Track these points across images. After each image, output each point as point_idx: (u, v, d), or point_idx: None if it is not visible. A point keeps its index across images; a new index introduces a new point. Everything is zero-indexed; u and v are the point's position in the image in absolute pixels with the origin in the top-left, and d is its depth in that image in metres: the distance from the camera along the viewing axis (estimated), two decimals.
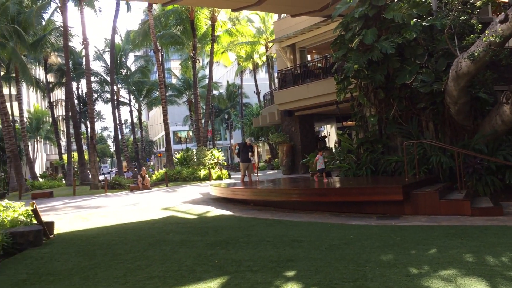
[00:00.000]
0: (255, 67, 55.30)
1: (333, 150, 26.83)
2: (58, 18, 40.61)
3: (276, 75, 35.47)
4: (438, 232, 8.23)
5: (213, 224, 10.57)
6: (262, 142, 50.20)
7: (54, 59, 50.72)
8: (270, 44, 39.06)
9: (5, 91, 37.16)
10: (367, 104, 15.93)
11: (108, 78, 51.24)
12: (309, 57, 28.67)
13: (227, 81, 69.26)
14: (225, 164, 36.59)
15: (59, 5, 35.18)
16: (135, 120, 64.35)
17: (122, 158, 43.60)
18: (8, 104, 34.50)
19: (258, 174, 24.97)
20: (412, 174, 13.18)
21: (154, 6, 35.59)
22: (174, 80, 67.21)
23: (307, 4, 19.78)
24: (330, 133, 34.44)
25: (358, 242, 7.56)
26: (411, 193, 10.72)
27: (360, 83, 16.03)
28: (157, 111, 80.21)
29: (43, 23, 39.86)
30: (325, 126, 35.54)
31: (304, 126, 27.15)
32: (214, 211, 13.00)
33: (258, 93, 52.86)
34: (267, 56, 47.57)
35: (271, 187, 15.03)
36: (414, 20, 13.99)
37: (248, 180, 16.36)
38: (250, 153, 16.21)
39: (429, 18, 14.35)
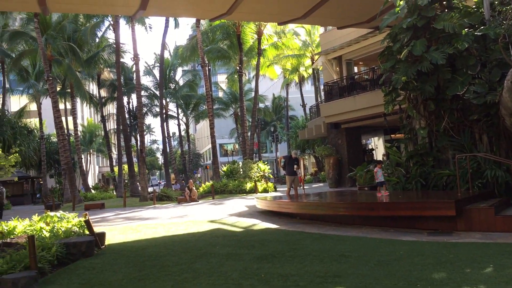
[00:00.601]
0: (301, 80, 55.27)
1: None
2: (111, 36, 42.14)
3: (322, 87, 35.29)
4: (494, 250, 7.86)
5: (259, 237, 10.55)
6: (308, 155, 49.93)
7: (107, 74, 52.70)
8: (316, 57, 38.95)
9: (61, 106, 38.83)
10: (417, 116, 15.54)
11: (157, 93, 52.57)
12: (355, 69, 28.39)
13: (273, 94, 69.53)
14: (271, 176, 36.57)
15: (111, 23, 36.55)
16: (182, 133, 65.59)
17: (170, 170, 44.44)
18: (63, 118, 36.00)
19: (304, 187, 24.84)
20: (465, 189, 12.70)
21: (202, 21, 36.31)
22: (220, 94, 68.14)
23: (354, 16, 19.63)
24: (377, 145, 33.76)
25: (408, 259, 7.33)
26: (464, 209, 10.32)
27: (409, 95, 15.68)
28: (204, 124, 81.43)
29: (97, 40, 41.51)
30: (372, 138, 34.90)
31: (351, 139, 26.80)
32: (260, 224, 12.98)
33: (304, 105, 52.72)
34: (313, 69, 47.46)
35: (318, 201, 14.87)
36: (466, 29, 13.59)
37: (294, 193, 16.27)
38: (296, 166, 16.14)
39: (482, 27, 13.90)
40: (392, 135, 23.98)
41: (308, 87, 64.32)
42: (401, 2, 15.18)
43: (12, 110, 48.37)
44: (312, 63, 45.07)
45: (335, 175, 26.70)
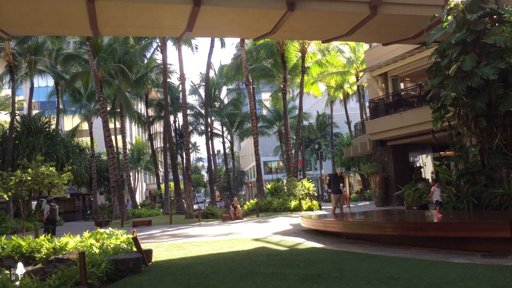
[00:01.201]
0: (346, 97, 54.83)
1: (430, 181, 25.55)
2: (158, 57, 43.56)
3: (367, 104, 34.86)
4: None
5: (304, 256, 10.42)
6: (353, 173, 49.18)
7: (154, 94, 54.16)
8: (360, 74, 38.63)
9: (111, 125, 40.15)
10: (467, 133, 15.06)
11: (202, 111, 53.49)
12: (402, 85, 27.91)
13: (317, 112, 69.24)
14: (316, 195, 36.23)
15: (159, 44, 37.67)
16: (227, 150, 66.22)
17: (215, 188, 44.92)
18: (113, 137, 37.15)
19: (350, 205, 24.40)
20: None
21: (246, 41, 36.83)
22: (264, 112, 68.53)
23: (400, 32, 19.37)
24: (425, 163, 32.83)
25: (461, 283, 7.04)
26: None
27: (459, 111, 15.24)
28: (248, 142, 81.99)
29: (145, 61, 42.88)
30: (420, 156, 34.02)
31: (397, 156, 26.24)
32: (305, 243, 12.84)
33: (348, 123, 52.17)
34: (357, 86, 47.01)
35: (364, 220, 14.58)
36: None
37: (340, 212, 16.03)
38: (341, 184, 15.94)
39: None
40: (441, 153, 23.28)
41: (353, 104, 63.67)
42: (449, 17, 14.89)
43: (65, 130, 50.43)
44: (357, 80, 44.67)
45: (381, 193, 26.14)
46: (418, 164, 33.32)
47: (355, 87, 50.19)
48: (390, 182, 25.81)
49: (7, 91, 45.25)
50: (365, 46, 33.78)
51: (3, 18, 15.76)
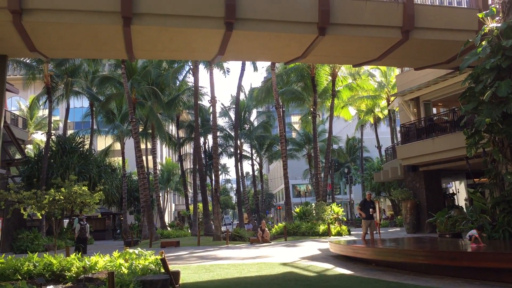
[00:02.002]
0: (376, 121, 54.34)
1: (464, 209, 24.87)
2: (190, 79, 44.35)
3: (398, 129, 34.45)
4: None
5: (333, 283, 10.25)
6: (383, 198, 48.35)
7: (185, 116, 54.93)
8: (392, 98, 38.31)
9: (142, 145, 40.82)
10: (503, 160, 14.66)
11: (232, 133, 53.87)
12: (434, 110, 27.52)
13: (347, 135, 68.78)
14: (345, 219, 35.72)
15: (191, 67, 38.36)
16: (256, 173, 66.24)
17: (243, 210, 44.86)
18: (144, 158, 37.73)
19: (380, 231, 23.95)
20: None
21: (277, 64, 37.14)
22: (294, 135, 68.48)
23: (432, 57, 19.21)
24: (459, 190, 32.06)
25: None
26: None
27: (494, 138, 14.89)
28: (277, 164, 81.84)
29: (177, 84, 43.68)
30: (453, 182, 33.25)
31: (429, 182, 25.72)
32: (334, 270, 12.64)
33: (379, 147, 51.58)
34: (388, 110, 46.57)
35: (395, 247, 14.26)
36: None
37: (370, 238, 15.74)
38: (371, 210, 15.72)
39: None
40: (475, 180, 22.71)
41: (384, 128, 62.99)
42: (483, 43, 14.71)
43: (98, 149, 51.53)
44: (388, 104, 44.30)
45: (412, 220, 25.59)
46: (451, 191, 32.55)
47: (386, 111, 49.72)
48: (422, 209, 25.25)
49: (44, 111, 46.69)
50: (397, 71, 33.55)
51: (43, 41, 16.39)
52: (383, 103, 48.06)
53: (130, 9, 14.48)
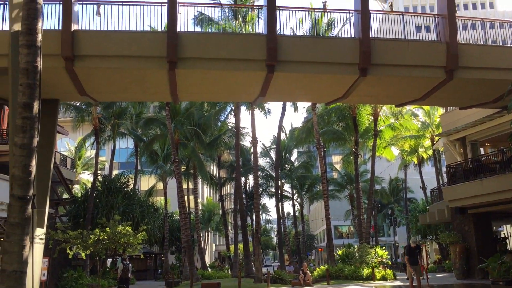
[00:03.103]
0: (420, 161, 52.99)
1: None
2: (231, 120, 45.17)
3: (444, 169, 33.49)
4: None
5: None
6: (430, 241, 46.55)
7: (226, 156, 55.49)
8: (436, 138, 37.48)
9: (184, 185, 41.29)
10: None
11: (273, 173, 53.83)
12: (482, 151, 26.67)
13: (390, 176, 67.31)
14: (390, 263, 34.47)
15: (233, 108, 39.01)
16: (297, 213, 65.50)
17: (284, 251, 44.22)
18: (185, 197, 38.11)
19: (428, 276, 23.00)
20: None
21: (318, 104, 37.26)
22: (335, 175, 67.74)
23: (478, 96, 18.82)
24: (511, 233, 30.53)
25: None
26: None
27: None
28: (318, 205, 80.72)
29: (219, 124, 44.41)
30: (504, 226, 31.77)
31: (479, 226, 24.59)
32: None
33: (424, 188, 50.07)
34: (433, 150, 45.44)
35: None
36: None
37: (417, 284, 15.10)
38: (417, 255, 15.19)
39: None
40: None
41: (428, 169, 61.32)
42: None
43: (142, 189, 52.51)
44: (432, 144, 43.28)
45: (462, 265, 24.40)
46: (502, 235, 31.06)
47: (430, 151, 48.53)
48: (472, 253, 24.10)
49: (91, 152, 48.30)
50: (441, 110, 32.95)
51: (93, 86, 17.16)
52: (427, 143, 46.98)
53: (175, 54, 15.04)
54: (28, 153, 8.25)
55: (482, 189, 21.64)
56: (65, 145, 56.43)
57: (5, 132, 27.04)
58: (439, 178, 43.88)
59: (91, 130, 37.50)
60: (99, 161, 36.88)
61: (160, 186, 48.00)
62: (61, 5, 15.08)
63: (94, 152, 37.20)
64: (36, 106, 8.25)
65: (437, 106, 38.51)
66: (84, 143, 41.96)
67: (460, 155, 25.56)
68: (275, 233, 73.47)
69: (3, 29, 15.15)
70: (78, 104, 35.46)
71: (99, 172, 36.29)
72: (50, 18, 15.28)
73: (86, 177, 50.18)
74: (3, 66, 13.94)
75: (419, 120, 46.34)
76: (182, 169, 43.41)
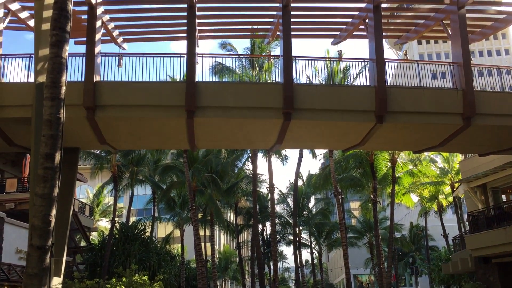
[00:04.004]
0: (440, 208, 51.93)
1: None
2: (248, 167, 45.28)
3: (465, 216, 32.78)
4: None
5: None
6: None
7: (243, 203, 55.18)
8: (456, 185, 36.91)
9: (201, 232, 41.02)
10: None
11: (290, 220, 53.18)
12: (504, 198, 26.13)
13: (410, 223, 65.90)
14: None
15: (250, 155, 39.18)
16: (315, 261, 64.13)
17: None
18: (202, 245, 37.76)
19: None
20: None
21: (335, 151, 37.22)
22: (353, 222, 66.54)
23: (497, 143, 18.65)
24: None
25: None
26: None
27: None
28: (337, 253, 79.03)
29: (236, 171, 44.48)
30: None
31: (504, 276, 23.74)
32: None
33: (445, 235, 48.83)
34: (453, 197, 44.62)
35: None
36: None
37: None
38: None
39: None
40: None
41: (449, 216, 59.99)
42: None
43: (159, 236, 52.25)
44: (452, 191, 42.55)
45: None
46: None
47: (450, 198, 47.65)
48: None
49: (109, 199, 48.57)
50: (460, 156, 32.63)
51: (112, 135, 17.50)
52: (447, 189, 46.22)
53: (194, 103, 15.34)
54: (49, 203, 8.37)
55: (505, 237, 21.07)
56: (84, 192, 56.91)
57: (26, 180, 27.45)
58: (461, 226, 42.85)
59: (110, 177, 37.87)
60: (117, 208, 37.01)
61: (177, 233, 47.70)
62: (84, 58, 15.64)
63: (112, 199, 37.38)
64: (57, 157, 8.44)
65: (456, 153, 38.16)
66: (103, 190, 42.29)
67: (481, 202, 25.07)
68: (293, 281, 71.73)
69: (29, 80, 15.70)
70: (97, 152, 36.01)
71: (116, 219, 36.33)
72: (73, 70, 15.84)
73: (104, 224, 50.19)
74: (27, 116, 14.36)
75: (437, 167, 45.81)
76: (199, 216, 43.22)
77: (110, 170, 36.29)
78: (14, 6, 16.65)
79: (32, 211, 8.56)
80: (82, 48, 17.28)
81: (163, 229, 55.61)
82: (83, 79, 15.38)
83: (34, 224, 8.40)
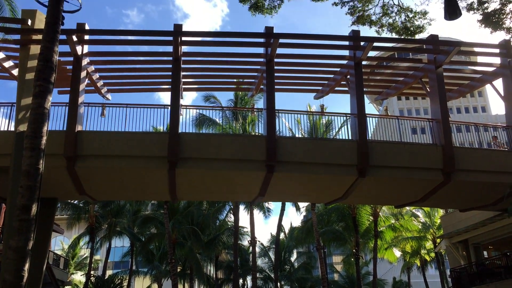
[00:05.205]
0: (423, 263, 51.54)
1: None
2: (230, 219, 44.76)
3: (448, 272, 32.50)
4: None
5: None
6: None
7: (224, 256, 54.02)
8: (438, 240, 36.83)
9: (180, 287, 39.78)
10: None
11: (272, 275, 52.10)
12: (485, 254, 26.07)
13: (393, 278, 65.01)
14: None
15: (232, 207, 38.80)
16: None
17: None
18: None
19: None
20: None
21: (317, 204, 37.10)
22: (336, 276, 65.50)
23: (477, 199, 18.80)
24: None
25: None
26: None
27: None
28: None
29: (217, 223, 43.85)
30: None
31: None
32: None
33: None
34: (435, 252, 44.42)
35: None
36: None
37: None
38: None
39: None
40: None
41: (432, 272, 59.46)
42: None
43: None
44: (435, 246, 42.39)
45: None
46: None
47: (433, 254, 47.40)
48: None
49: (85, 251, 47.14)
50: (441, 211, 32.74)
51: (92, 185, 17.19)
52: (429, 244, 46.04)
53: (177, 154, 15.25)
54: (22, 257, 8.01)
55: None
56: (59, 243, 55.21)
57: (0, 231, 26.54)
58: (444, 282, 42.43)
59: (86, 229, 36.93)
60: (93, 260, 35.88)
61: (155, 287, 46.22)
62: (67, 107, 15.57)
63: (88, 251, 36.28)
64: (34, 208, 8.16)
65: (437, 208, 38.37)
66: (79, 242, 41.12)
67: (463, 258, 24.96)
68: None
69: (9, 129, 15.50)
70: (75, 202, 35.28)
71: (92, 272, 35.16)
72: (55, 119, 15.68)
73: (79, 277, 48.46)
74: (5, 165, 14.06)
75: (419, 221, 45.81)
76: (178, 270, 42.06)
77: (88, 221, 35.46)
78: None
79: (4, 265, 8.18)
80: (65, 98, 17.27)
81: (140, 283, 53.80)
82: (64, 128, 15.23)
83: (5, 278, 8.00)
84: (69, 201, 34.60)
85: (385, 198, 20.82)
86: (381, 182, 17.29)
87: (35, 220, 8.21)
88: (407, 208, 41.73)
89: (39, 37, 14.19)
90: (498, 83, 19.07)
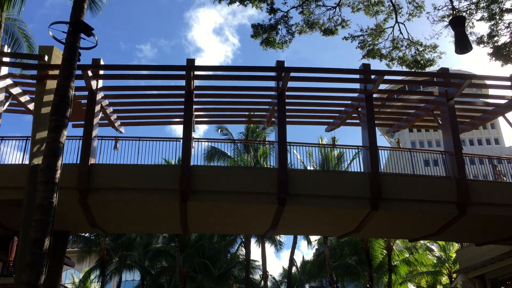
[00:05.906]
0: None
1: None
2: (242, 252, 44.29)
3: None
4: None
5: None
6: None
7: None
8: (454, 275, 35.94)
9: None
10: None
11: None
12: None
13: None
14: None
15: (243, 240, 38.43)
16: None
17: None
18: None
19: None
20: None
21: (330, 237, 36.61)
22: None
23: (493, 233, 18.45)
24: None
25: None
26: None
27: None
28: None
29: (229, 256, 43.35)
30: None
31: None
32: None
33: None
34: None
35: None
36: None
37: None
38: None
39: None
40: None
41: None
42: None
43: None
44: (450, 281, 41.36)
45: None
46: None
47: None
48: None
49: (96, 285, 46.68)
50: (456, 245, 32.10)
51: (104, 218, 17.22)
52: (445, 279, 44.93)
53: (189, 186, 15.26)
54: None
55: None
56: (70, 277, 54.79)
57: (11, 264, 26.52)
58: None
59: (97, 261, 36.72)
60: None
61: None
62: (81, 141, 15.76)
63: (99, 284, 35.97)
64: (47, 242, 8.19)
65: (452, 241, 37.64)
66: (90, 275, 40.79)
67: None
68: None
69: (23, 162, 15.69)
70: (87, 235, 35.23)
71: None
72: (69, 152, 15.87)
73: None
74: (19, 198, 14.16)
75: (434, 255, 44.86)
76: None
77: (99, 254, 35.30)
78: (16, 90, 17.02)
79: None
80: (79, 131, 17.52)
81: None
82: (78, 162, 15.38)
83: None
84: (81, 233, 34.55)
85: (399, 231, 20.52)
86: (394, 215, 17.08)
87: (47, 254, 8.21)
88: (422, 241, 40.97)
89: (56, 72, 14.51)
90: (511, 115, 18.99)
